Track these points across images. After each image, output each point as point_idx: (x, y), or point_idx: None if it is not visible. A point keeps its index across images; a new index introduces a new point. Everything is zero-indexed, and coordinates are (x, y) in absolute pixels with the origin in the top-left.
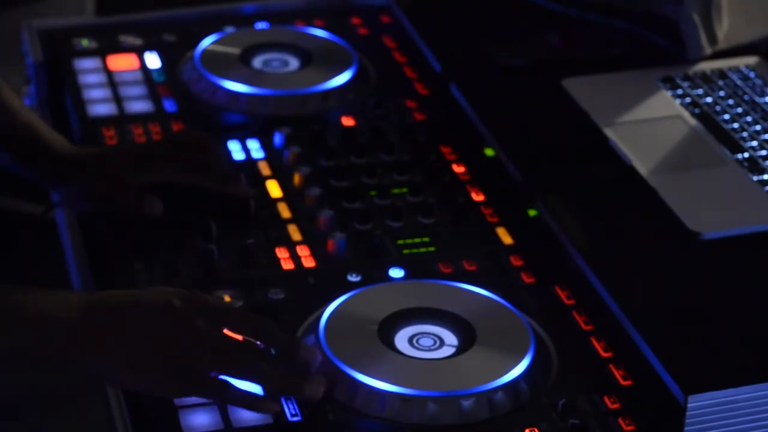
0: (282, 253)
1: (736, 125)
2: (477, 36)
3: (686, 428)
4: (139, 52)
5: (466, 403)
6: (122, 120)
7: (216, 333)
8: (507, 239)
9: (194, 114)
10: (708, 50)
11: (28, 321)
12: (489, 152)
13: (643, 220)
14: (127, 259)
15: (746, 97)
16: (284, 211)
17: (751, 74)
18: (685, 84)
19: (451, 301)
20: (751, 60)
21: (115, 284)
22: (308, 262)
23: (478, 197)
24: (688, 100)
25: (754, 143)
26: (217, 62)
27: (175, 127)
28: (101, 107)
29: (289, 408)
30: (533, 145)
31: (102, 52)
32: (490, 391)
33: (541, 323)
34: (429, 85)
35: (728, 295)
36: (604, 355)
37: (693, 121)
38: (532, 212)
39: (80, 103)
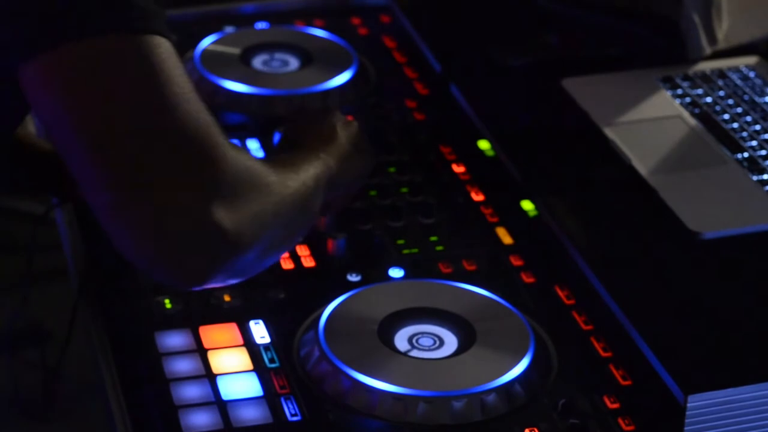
0: None
1: (736, 125)
2: (477, 36)
3: (686, 428)
4: None
5: (458, 404)
6: None
7: None
8: (507, 239)
9: None
10: (708, 50)
11: None
12: (489, 152)
13: (643, 220)
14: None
15: (746, 97)
16: None
17: (751, 74)
18: (685, 84)
19: (451, 301)
20: (751, 60)
21: (115, 284)
22: (308, 262)
23: (478, 197)
24: (688, 100)
25: (754, 143)
26: (217, 62)
27: None
28: None
29: (288, 408)
30: (533, 145)
31: None
32: (483, 393)
33: (541, 323)
34: (429, 85)
35: (728, 295)
36: (604, 355)
37: (693, 121)
38: (532, 212)
39: None
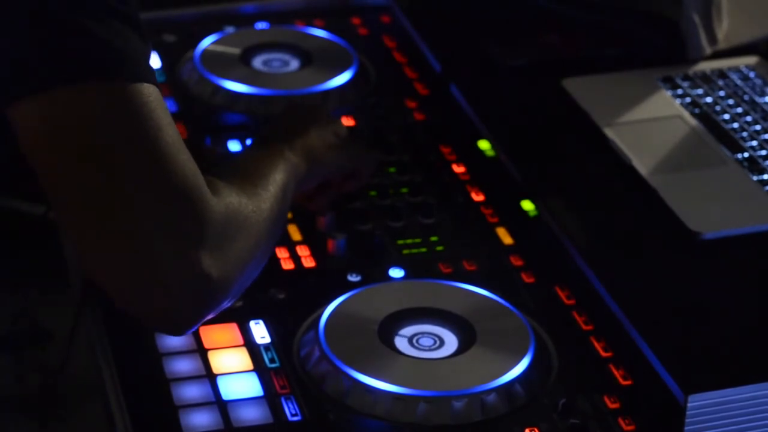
0: (282, 253)
1: (736, 125)
2: (477, 36)
3: (686, 428)
4: None
5: (458, 404)
6: None
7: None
8: (507, 239)
9: (194, 114)
10: (708, 50)
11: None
12: (489, 152)
13: (643, 220)
14: None
15: (746, 97)
16: None
17: (751, 74)
18: (685, 84)
19: (451, 301)
20: (751, 60)
21: None
22: (308, 262)
23: (478, 197)
24: (688, 100)
25: (754, 143)
26: (217, 62)
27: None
28: None
29: (289, 408)
30: (533, 145)
31: None
32: (483, 393)
33: (541, 323)
34: (429, 85)
35: (728, 295)
36: (604, 355)
37: (693, 121)
38: (532, 212)
39: None
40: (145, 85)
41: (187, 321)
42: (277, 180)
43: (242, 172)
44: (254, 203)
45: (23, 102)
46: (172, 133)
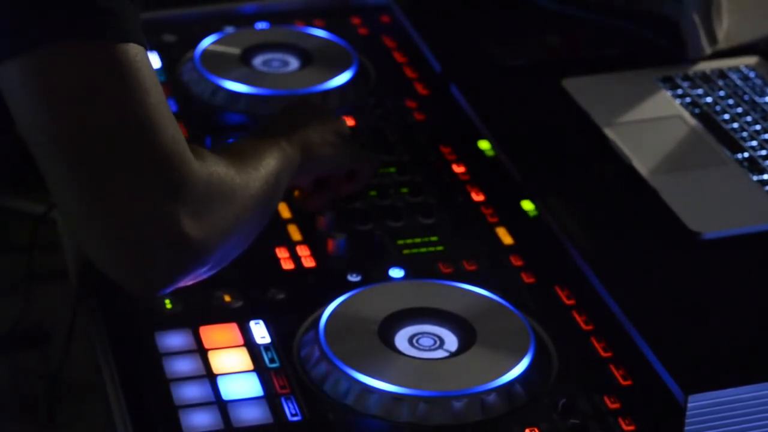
0: (282, 253)
1: (736, 125)
2: (477, 36)
3: (686, 428)
4: None
5: (458, 404)
6: None
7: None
8: (507, 239)
9: (194, 114)
10: (708, 50)
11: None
12: (489, 152)
13: (643, 220)
14: None
15: (746, 97)
16: (284, 211)
17: (751, 74)
18: (685, 84)
19: (451, 301)
20: (751, 60)
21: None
22: (308, 262)
23: (478, 197)
24: (688, 100)
25: (754, 143)
26: (217, 62)
27: None
28: None
29: (289, 408)
30: (533, 145)
31: None
32: (483, 393)
33: (541, 323)
34: (429, 85)
35: (728, 295)
36: (604, 355)
37: (693, 121)
38: (532, 212)
39: None
40: (132, 45)
41: (160, 281)
42: (270, 164)
43: (236, 152)
44: (242, 178)
45: (9, 62)
46: (156, 95)
